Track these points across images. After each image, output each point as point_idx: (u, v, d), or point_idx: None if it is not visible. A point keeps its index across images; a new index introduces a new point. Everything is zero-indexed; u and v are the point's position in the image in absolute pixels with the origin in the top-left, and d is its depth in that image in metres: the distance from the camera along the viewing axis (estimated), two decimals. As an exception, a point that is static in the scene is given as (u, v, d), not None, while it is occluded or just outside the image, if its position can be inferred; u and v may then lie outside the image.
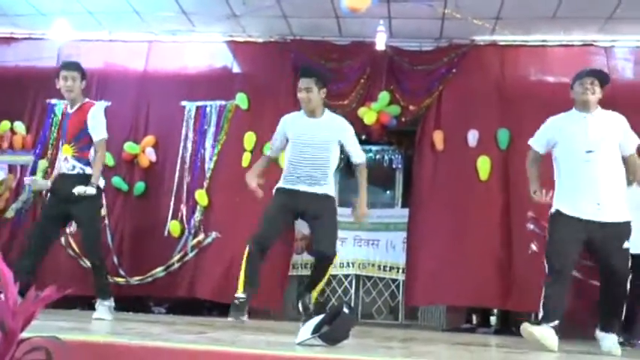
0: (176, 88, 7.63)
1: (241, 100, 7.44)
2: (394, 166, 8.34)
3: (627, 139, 4.41)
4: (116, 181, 7.29)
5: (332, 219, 4.62)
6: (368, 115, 7.12)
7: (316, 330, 3.24)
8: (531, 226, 6.38)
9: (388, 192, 8.56)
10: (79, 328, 3.81)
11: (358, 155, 4.82)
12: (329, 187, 4.67)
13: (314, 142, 4.63)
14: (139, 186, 7.37)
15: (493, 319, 7.34)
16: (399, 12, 6.85)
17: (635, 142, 4.45)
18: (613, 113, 4.51)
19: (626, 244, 4.17)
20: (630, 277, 4.19)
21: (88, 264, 5.49)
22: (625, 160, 4.34)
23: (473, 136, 7.07)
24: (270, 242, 4.69)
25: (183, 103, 7.58)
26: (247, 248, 4.60)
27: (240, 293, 4.55)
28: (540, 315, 4.16)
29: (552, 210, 4.38)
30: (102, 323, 4.57)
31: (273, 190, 4.81)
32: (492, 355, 3.59)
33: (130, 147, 7.40)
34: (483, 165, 6.96)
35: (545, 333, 4.01)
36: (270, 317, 6.90)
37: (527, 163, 4.68)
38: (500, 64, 7.31)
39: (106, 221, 7.04)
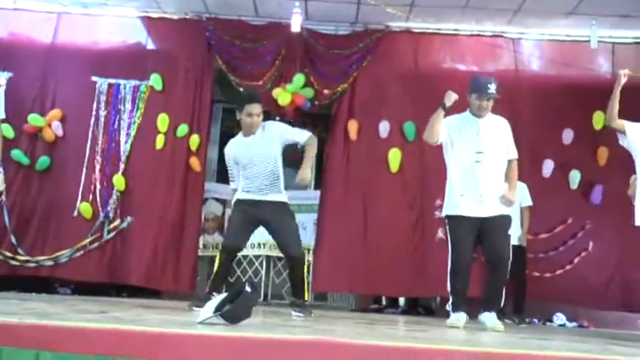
0: (87, 63, 7.39)
1: (155, 81, 7.30)
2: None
3: (511, 144, 4.83)
4: (16, 154, 6.99)
5: (292, 223, 4.86)
6: (282, 96, 7.12)
7: (218, 309, 3.25)
8: (438, 214, 6.62)
9: (301, 174, 8.59)
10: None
11: (302, 136, 4.93)
12: (282, 195, 4.88)
13: (259, 159, 4.83)
14: (43, 160, 7.11)
15: (402, 300, 7.56)
16: (314, -6, 6.89)
17: (514, 147, 4.84)
18: (500, 118, 4.87)
19: (507, 234, 4.69)
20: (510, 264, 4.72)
21: None
22: (508, 164, 4.79)
23: (384, 128, 7.22)
24: (239, 250, 5.09)
25: (94, 78, 7.35)
26: (219, 254, 4.93)
27: (208, 290, 4.82)
28: (450, 303, 4.73)
29: (444, 213, 4.84)
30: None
31: (233, 202, 5.04)
32: (391, 331, 3.69)
33: (33, 119, 7.11)
34: (394, 156, 7.13)
35: (458, 317, 4.64)
36: (181, 298, 6.84)
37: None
38: (414, 52, 7.47)
39: (3, 197, 6.74)
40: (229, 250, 4.87)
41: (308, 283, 6.51)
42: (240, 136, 4.98)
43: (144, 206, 7.12)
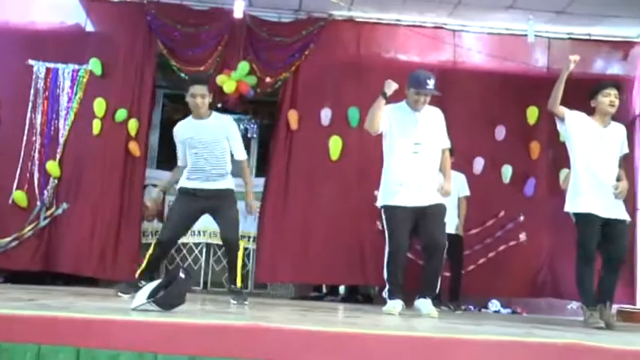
0: (22, 45, 7.12)
1: (95, 65, 7.11)
2: (249, 135, 8.33)
3: (444, 135, 4.97)
4: (-50, 140, 6.76)
5: (233, 210, 4.99)
6: (227, 84, 7.06)
7: (152, 295, 3.23)
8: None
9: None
10: None
11: (240, 153, 5.13)
12: (228, 181, 5.02)
13: (206, 142, 4.94)
14: (-23, 148, 6.87)
15: (342, 288, 7.63)
16: (258, -19, 6.85)
17: (447, 137, 4.99)
18: (435, 109, 4.99)
19: (443, 222, 4.86)
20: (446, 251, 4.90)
21: None
22: (441, 153, 4.93)
23: (325, 115, 7.26)
24: (173, 243, 5.41)
25: (31, 62, 7.11)
26: (153, 245, 5.07)
27: (137, 278, 4.96)
28: (387, 291, 4.83)
29: (380, 204, 4.94)
30: None
31: (177, 187, 5.14)
32: (327, 318, 3.74)
33: (-34, 104, 6.86)
34: (335, 144, 7.17)
35: (394, 305, 4.70)
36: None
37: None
38: (357, 41, 7.50)
39: None
40: (163, 245, 5.04)
41: (246, 270, 6.55)
42: (190, 118, 5.10)
43: (81, 192, 6.95)
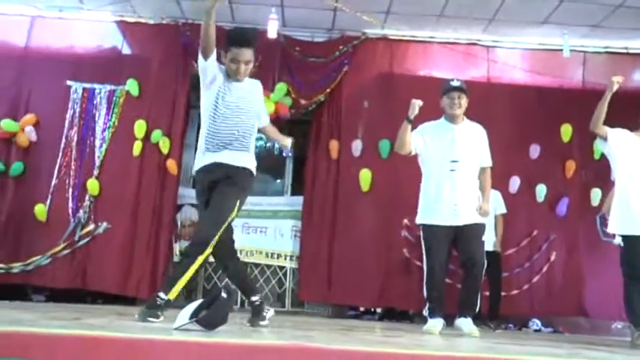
0: (61, 67, 7.34)
1: (132, 86, 7.27)
2: (284, 154, 8.31)
3: (486, 152, 4.88)
4: (-10, 159, 6.93)
5: (227, 195, 3.82)
6: (267, 104, 7.09)
7: (194, 315, 3.22)
8: (404, 233, 6.87)
9: (278, 180, 8.59)
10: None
11: (266, 117, 4.37)
12: (248, 157, 3.99)
13: (243, 104, 3.96)
14: (17, 166, 7.04)
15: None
16: (291, 1, 6.92)
17: (489, 155, 4.90)
18: (477, 125, 4.91)
19: (481, 240, 4.75)
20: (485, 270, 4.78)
21: None
22: (481, 171, 4.83)
23: (356, 147, 7.31)
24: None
25: (69, 82, 7.30)
26: (203, 256, 3.69)
27: (166, 295, 3.62)
28: (427, 309, 4.76)
29: (418, 221, 4.87)
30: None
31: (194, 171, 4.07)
32: (368, 337, 3.70)
33: (7, 125, 7.04)
34: (365, 177, 7.21)
35: (435, 323, 4.65)
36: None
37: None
38: (390, 59, 7.52)
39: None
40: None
41: (284, 289, 6.49)
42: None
43: (117, 211, 7.08)
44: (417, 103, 4.61)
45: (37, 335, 2.54)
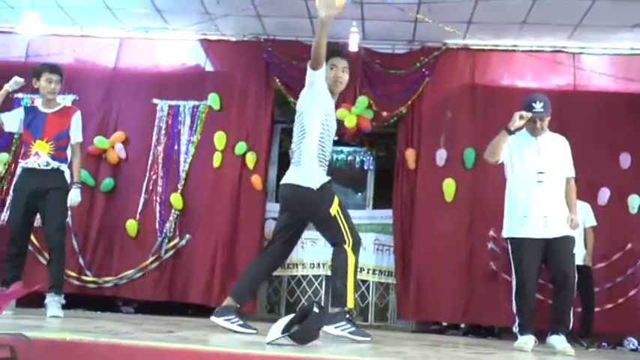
0: (148, 86, 7.60)
1: (213, 100, 7.43)
2: (366, 167, 8.33)
3: (569, 163, 4.73)
4: (83, 175, 7.12)
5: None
6: (348, 118, 7.12)
7: (286, 329, 3.23)
8: (491, 245, 6.71)
9: (359, 194, 8.57)
10: (40, 326, 3.74)
11: None
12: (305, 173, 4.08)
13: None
14: (108, 182, 7.30)
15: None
16: (371, 14, 6.89)
17: (572, 166, 4.73)
18: (559, 136, 4.78)
19: (572, 254, 4.58)
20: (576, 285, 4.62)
21: (46, 257, 5.44)
22: (566, 182, 4.68)
23: (440, 157, 7.18)
24: None
25: (155, 100, 7.53)
26: (355, 257, 4.05)
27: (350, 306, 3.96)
28: (517, 325, 4.59)
29: (505, 235, 4.75)
30: (65, 321, 4.47)
31: (319, 186, 4.01)
32: (460, 354, 3.62)
33: (99, 141, 7.31)
34: (449, 187, 7.08)
35: (526, 340, 4.49)
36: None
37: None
38: (472, 69, 7.39)
39: (69, 219, 6.90)
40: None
41: (366, 303, 6.41)
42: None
43: (202, 224, 7.23)
44: (518, 121, 4.52)
45: (141, 348, 2.60)
